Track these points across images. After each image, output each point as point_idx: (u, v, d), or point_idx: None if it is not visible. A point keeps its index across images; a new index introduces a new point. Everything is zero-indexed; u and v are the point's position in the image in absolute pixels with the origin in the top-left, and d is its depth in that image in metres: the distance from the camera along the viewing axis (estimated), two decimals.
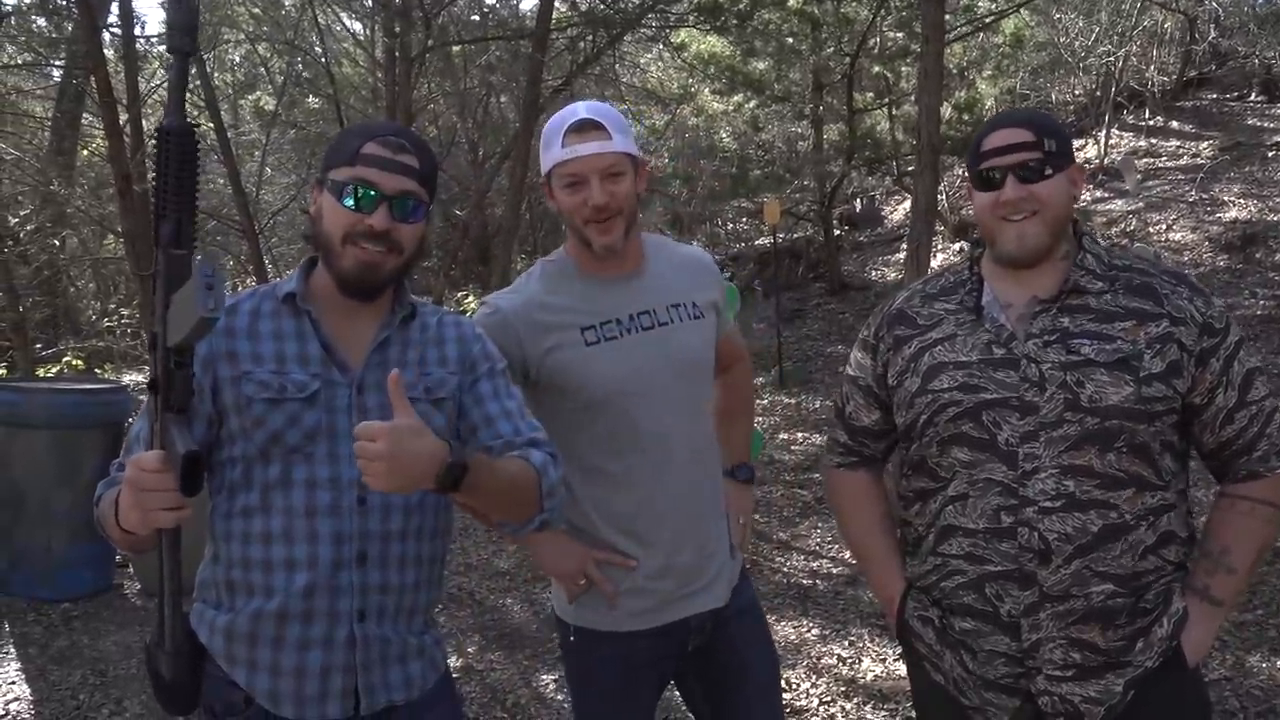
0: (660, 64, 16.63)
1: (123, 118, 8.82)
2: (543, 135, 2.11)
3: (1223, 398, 1.77)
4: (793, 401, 9.78)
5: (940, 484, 1.86)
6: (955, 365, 1.84)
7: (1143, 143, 13.93)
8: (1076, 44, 14.02)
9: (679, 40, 13.30)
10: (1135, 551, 1.73)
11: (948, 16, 7.31)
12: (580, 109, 2.07)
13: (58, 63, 12.72)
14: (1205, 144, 13.29)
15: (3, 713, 4.01)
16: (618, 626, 2.14)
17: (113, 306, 13.63)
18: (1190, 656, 1.78)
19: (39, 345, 11.27)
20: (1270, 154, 12.37)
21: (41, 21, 12.80)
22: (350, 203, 1.66)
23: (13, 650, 4.58)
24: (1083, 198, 8.54)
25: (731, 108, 14.76)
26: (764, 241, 14.98)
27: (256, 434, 1.67)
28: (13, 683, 4.28)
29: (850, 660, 4.42)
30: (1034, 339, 1.79)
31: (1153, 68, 14.56)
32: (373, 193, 1.66)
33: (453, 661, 4.44)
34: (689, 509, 2.15)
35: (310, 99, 14.86)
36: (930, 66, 5.68)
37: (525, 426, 1.83)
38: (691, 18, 11.78)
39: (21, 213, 12.36)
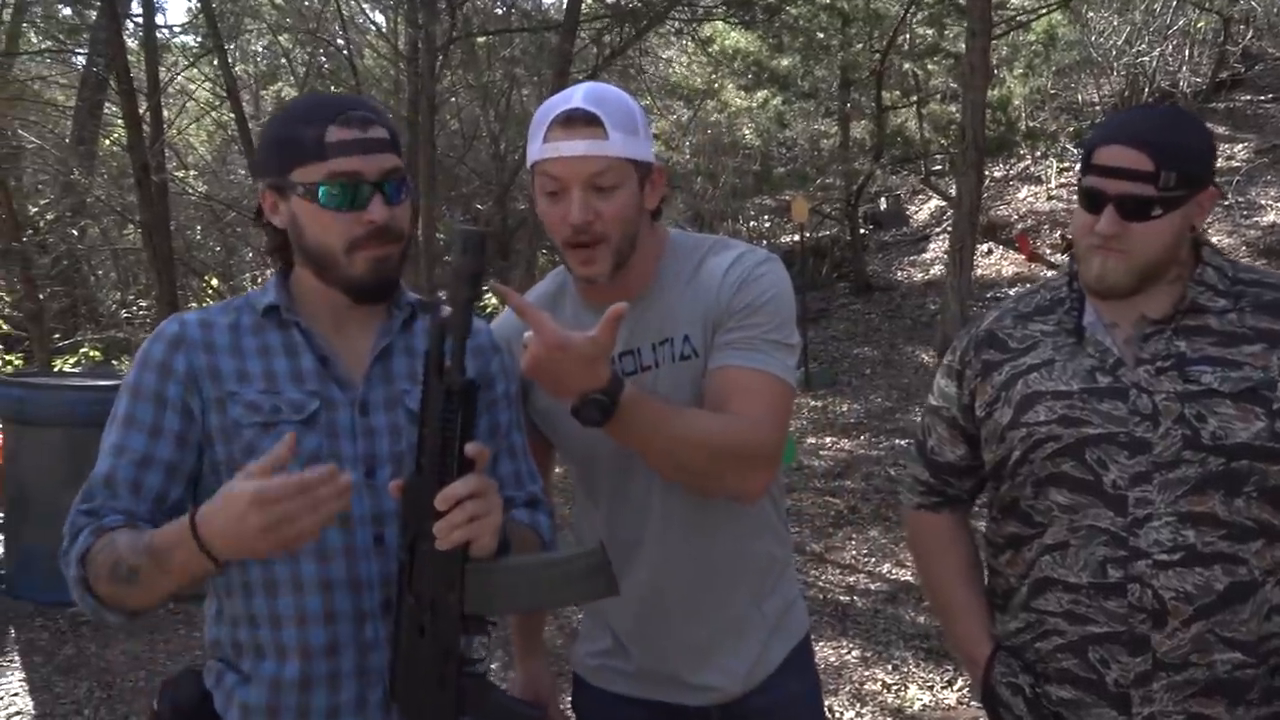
0: (686, 58, 16.42)
1: (142, 106, 8.68)
2: (532, 121, 1.67)
3: None
4: (819, 404, 9.58)
5: (1036, 530, 1.64)
6: (1054, 395, 1.62)
7: None
8: (1108, 43, 13.75)
9: (706, 34, 13.11)
10: (1261, 613, 1.51)
11: None
12: (577, 94, 1.60)
13: (80, 50, 12.64)
14: (1240, 146, 13.00)
15: None
16: (605, 685, 1.86)
17: (131, 297, 13.53)
18: None
19: (57, 335, 11.15)
20: None
21: (67, 11, 12.73)
22: (339, 204, 1.41)
23: (18, 659, 4.43)
24: None
25: (756, 103, 14.57)
26: (788, 239, 14.77)
27: (248, 464, 1.34)
28: (15, 694, 4.13)
29: (895, 687, 4.21)
30: (1145, 365, 1.56)
31: (1185, 68, 14.26)
32: (361, 186, 1.41)
33: None
34: (672, 586, 1.76)
35: (332, 90, 14.73)
36: (977, 61, 5.46)
37: (526, 471, 1.63)
38: (720, 11, 11.57)
39: (42, 202, 12.27)
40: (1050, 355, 1.66)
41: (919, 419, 1.90)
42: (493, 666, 1.48)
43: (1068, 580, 1.59)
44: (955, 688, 4.13)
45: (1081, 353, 1.63)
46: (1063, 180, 13.60)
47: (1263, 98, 14.44)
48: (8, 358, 10.64)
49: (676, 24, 12.40)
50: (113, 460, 1.43)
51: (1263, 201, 11.34)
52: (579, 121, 1.57)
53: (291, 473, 1.22)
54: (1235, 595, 1.50)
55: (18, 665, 4.37)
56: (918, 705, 4.05)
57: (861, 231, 14.09)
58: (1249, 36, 14.34)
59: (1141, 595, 1.52)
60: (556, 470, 2.08)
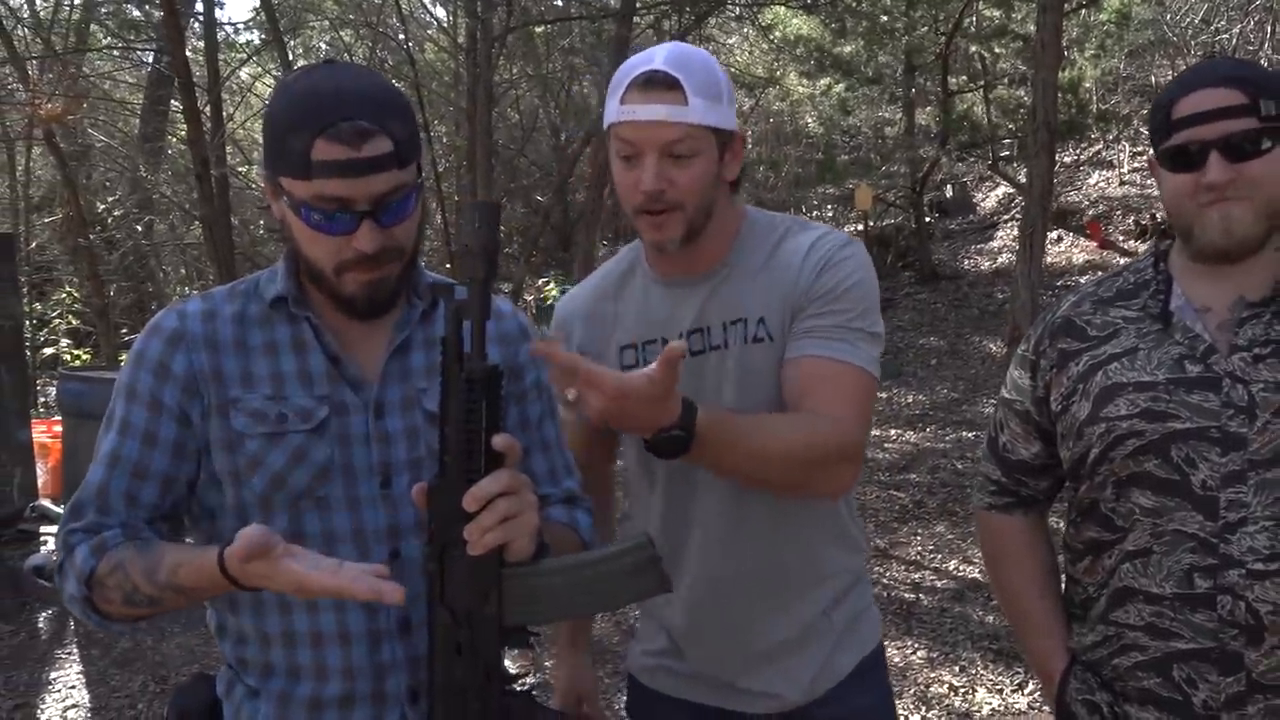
0: (747, 45, 16.23)
1: (202, 101, 8.76)
2: (611, 80, 1.58)
3: None
4: (884, 396, 9.38)
5: (1117, 535, 1.49)
6: (1136, 386, 1.47)
7: None
8: (1184, 21, 13.30)
9: (767, 20, 12.92)
10: None
11: None
12: (659, 55, 1.52)
13: (148, 48, 12.82)
14: None
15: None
16: (659, 687, 1.78)
17: (197, 291, 13.74)
18: None
19: (124, 330, 11.35)
20: None
21: (136, 13, 12.92)
22: (323, 228, 1.26)
23: (75, 651, 4.47)
24: None
25: (819, 91, 14.34)
26: (851, 229, 14.56)
27: (253, 478, 1.31)
28: (73, 687, 4.16)
29: (963, 690, 4.05)
30: (1240, 353, 1.42)
31: (1267, 45, 13.73)
32: (346, 214, 1.25)
33: (526, 678, 4.19)
34: (731, 581, 1.67)
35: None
36: (1048, 39, 5.24)
37: (561, 465, 1.51)
38: None
39: (110, 198, 12.49)
40: (1134, 343, 1.51)
41: (992, 413, 1.75)
42: (546, 665, 1.38)
43: (1150, 590, 1.45)
44: (1026, 691, 3.96)
45: (1168, 340, 1.48)
46: (1136, 165, 13.21)
47: None
48: (76, 352, 10.85)
49: (737, 10, 12.24)
50: (106, 471, 1.34)
51: None
52: (659, 84, 1.49)
53: (324, 565, 1.16)
54: None
55: (75, 658, 4.41)
56: (986, 710, 3.88)
57: (927, 220, 13.84)
58: None
59: (1234, 608, 1.38)
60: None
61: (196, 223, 13.26)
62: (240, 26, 13.11)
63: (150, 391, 1.34)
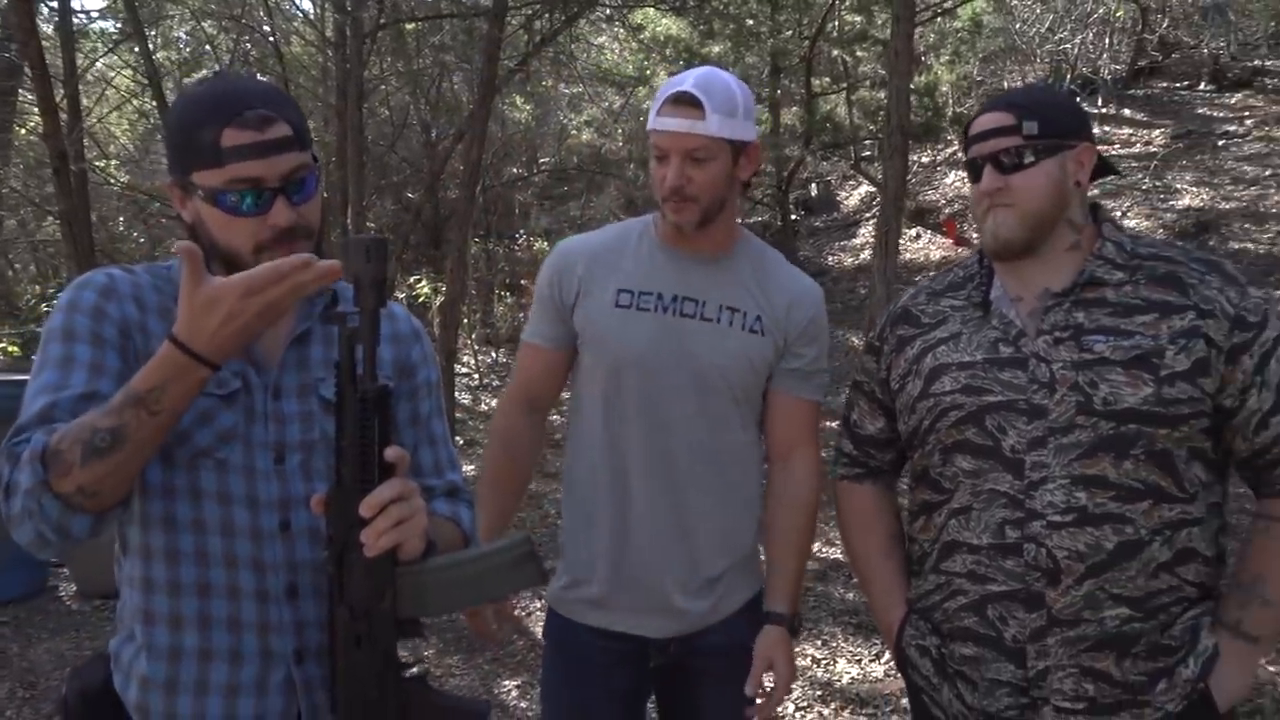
0: (617, 45, 16.41)
1: (59, 94, 8.46)
2: (656, 93, 1.98)
3: (1256, 400, 1.58)
4: None
5: (944, 496, 1.71)
6: (959, 366, 1.69)
7: (1097, 130, 13.91)
8: (1031, 31, 14.04)
9: (637, 21, 13.10)
10: (1148, 570, 1.58)
11: None
12: (689, 79, 1.90)
13: None
14: (1157, 132, 13.35)
15: None
16: (571, 615, 2.05)
17: (51, 290, 13.19)
18: (1221, 701, 1.60)
19: None
20: (1220, 143, 12.45)
21: None
22: (240, 209, 1.37)
23: None
24: None
25: None
26: None
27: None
28: None
29: (825, 661, 4.30)
30: (1044, 336, 1.64)
31: (1105, 55, 14.60)
32: (262, 191, 1.37)
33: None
34: (668, 524, 1.98)
35: (259, 78, 14.42)
36: (901, 47, 5.55)
37: (445, 459, 1.65)
38: None
39: None
40: (958, 328, 1.73)
41: (847, 395, 1.97)
42: (426, 654, 1.51)
43: (970, 542, 1.66)
44: (883, 660, 4.22)
45: (987, 325, 1.70)
46: None
47: (1178, 85, 14.85)
48: None
49: (607, 10, 12.37)
50: (51, 397, 1.33)
51: (1179, 185, 11.66)
52: (685, 102, 1.88)
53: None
54: (1123, 554, 1.57)
55: None
56: (846, 679, 4.14)
57: (793, 217, 14.22)
58: (1165, 25, 14.73)
59: (1037, 555, 1.59)
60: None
61: (49, 218, 12.77)
62: (94, 15, 12.62)
63: (90, 330, 1.39)
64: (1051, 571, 1.59)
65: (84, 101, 8.86)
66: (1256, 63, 14.32)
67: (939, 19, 12.92)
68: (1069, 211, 1.69)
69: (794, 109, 13.92)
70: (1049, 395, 1.61)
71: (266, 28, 13.32)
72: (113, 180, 11.96)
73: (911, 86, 12.74)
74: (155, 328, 1.43)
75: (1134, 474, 1.57)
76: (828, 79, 14.18)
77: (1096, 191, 12.05)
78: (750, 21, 12.65)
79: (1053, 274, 1.69)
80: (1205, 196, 11.20)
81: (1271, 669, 3.94)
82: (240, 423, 1.44)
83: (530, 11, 10.66)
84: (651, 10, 12.47)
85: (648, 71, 14.84)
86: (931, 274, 1.91)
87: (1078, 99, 1.88)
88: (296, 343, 1.50)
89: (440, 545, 1.45)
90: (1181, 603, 1.61)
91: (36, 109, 8.43)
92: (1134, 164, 12.47)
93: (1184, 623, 1.61)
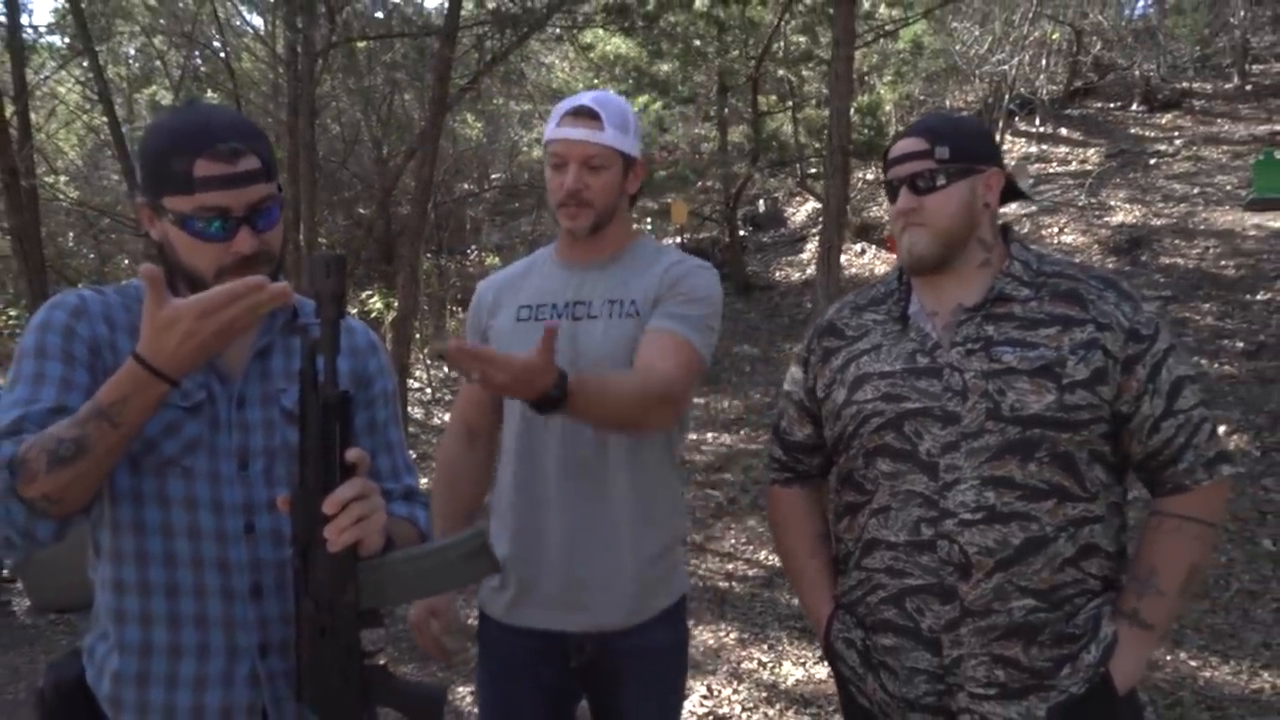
0: (567, 64, 16.57)
1: (8, 110, 8.44)
2: (554, 109, 2.13)
3: (1149, 405, 1.73)
4: (701, 401, 9.82)
5: (866, 497, 1.85)
6: (880, 375, 1.83)
7: (1034, 149, 14.37)
8: (971, 52, 14.41)
9: (586, 40, 13.27)
10: (1054, 564, 1.72)
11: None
12: (587, 96, 2.08)
13: None
14: (1092, 150, 13.78)
15: None
16: (493, 614, 2.15)
17: (0, 306, 13.04)
18: (1119, 683, 1.74)
19: None
20: (1152, 161, 12.88)
21: None
22: (206, 236, 1.45)
23: None
24: None
25: (637, 108, 14.78)
26: (668, 241, 15.03)
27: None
28: None
29: (771, 664, 4.44)
30: (958, 347, 1.78)
31: (1042, 76, 15.02)
32: (228, 219, 1.45)
33: None
34: (571, 517, 2.06)
35: (209, 94, 14.41)
36: (841, 70, 5.76)
37: (402, 464, 1.75)
38: (600, 18, 11.76)
39: None
40: (879, 340, 1.88)
41: (778, 404, 2.11)
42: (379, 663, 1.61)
43: (889, 540, 1.80)
44: (826, 662, 4.37)
45: (905, 337, 1.85)
46: None
47: (1112, 105, 15.33)
48: None
49: (557, 30, 12.52)
50: (22, 410, 1.40)
51: (1112, 203, 12.03)
52: (584, 115, 2.04)
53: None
54: (1029, 549, 1.70)
55: None
56: (791, 680, 4.28)
57: (741, 233, 14.42)
58: (1099, 47, 15.20)
59: (950, 551, 1.73)
60: None
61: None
62: (43, 30, 12.54)
63: (61, 349, 1.47)
64: (963, 566, 1.72)
65: (33, 117, 8.82)
66: (1184, 84, 14.82)
67: (881, 40, 13.23)
68: (979, 231, 1.84)
69: (741, 127, 14.16)
70: (961, 402, 1.75)
71: (217, 44, 13.30)
72: (62, 196, 11.87)
73: (855, 106, 13.05)
74: (124, 345, 1.50)
75: (1039, 475, 1.71)
76: (774, 98, 14.43)
77: (1035, 208, 12.41)
78: (698, 41, 12.87)
79: (965, 290, 1.83)
80: (1138, 213, 11.57)
81: (1193, 663, 4.14)
82: (205, 432, 1.51)
83: (481, 31, 10.78)
84: (601, 30, 12.63)
85: (598, 89, 14.99)
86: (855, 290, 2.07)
87: (987, 126, 2.09)
88: (259, 355, 1.59)
89: (398, 542, 1.54)
90: (1085, 594, 1.75)
91: None
92: (1070, 181, 12.85)
93: (1087, 613, 1.75)
